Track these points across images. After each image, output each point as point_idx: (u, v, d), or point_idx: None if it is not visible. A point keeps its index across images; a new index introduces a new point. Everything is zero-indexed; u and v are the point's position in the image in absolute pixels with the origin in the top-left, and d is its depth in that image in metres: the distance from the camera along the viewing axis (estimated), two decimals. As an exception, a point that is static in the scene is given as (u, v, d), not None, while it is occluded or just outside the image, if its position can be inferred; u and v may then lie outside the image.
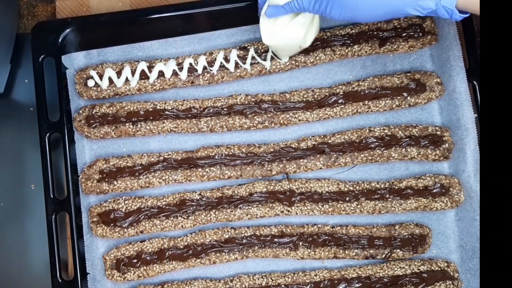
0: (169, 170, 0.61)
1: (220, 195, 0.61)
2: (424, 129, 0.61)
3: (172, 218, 0.61)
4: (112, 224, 0.60)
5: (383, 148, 0.61)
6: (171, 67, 0.62)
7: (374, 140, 0.61)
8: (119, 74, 0.63)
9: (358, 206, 0.60)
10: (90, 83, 0.63)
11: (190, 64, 0.63)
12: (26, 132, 0.68)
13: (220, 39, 0.64)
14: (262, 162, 0.61)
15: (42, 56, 0.63)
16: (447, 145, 0.61)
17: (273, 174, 0.62)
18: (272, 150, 0.62)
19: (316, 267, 0.61)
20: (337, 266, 0.61)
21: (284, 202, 0.60)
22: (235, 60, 0.62)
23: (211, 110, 0.62)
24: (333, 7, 0.49)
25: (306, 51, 0.62)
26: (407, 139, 0.61)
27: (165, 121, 0.62)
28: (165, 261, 0.60)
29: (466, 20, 0.62)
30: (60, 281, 0.60)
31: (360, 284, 0.59)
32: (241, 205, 0.61)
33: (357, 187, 0.61)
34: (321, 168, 0.61)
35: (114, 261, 0.60)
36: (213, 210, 0.61)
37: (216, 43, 0.64)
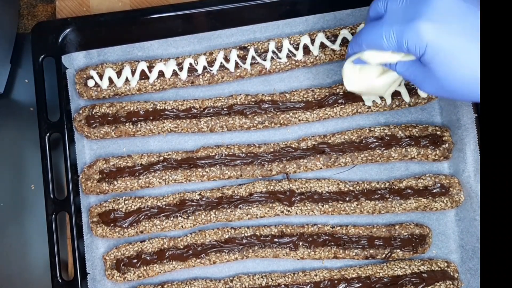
0: (169, 170, 0.61)
1: (220, 195, 0.61)
2: (424, 129, 0.61)
3: (172, 218, 0.61)
4: (112, 224, 0.60)
5: (383, 148, 0.61)
6: (171, 67, 0.62)
7: (374, 140, 0.61)
8: (119, 74, 0.63)
9: (358, 206, 0.60)
10: (90, 83, 0.63)
11: (190, 64, 0.63)
12: (26, 132, 0.68)
13: (220, 39, 0.64)
14: (262, 162, 0.61)
15: (42, 56, 0.63)
16: (447, 145, 0.61)
17: (273, 174, 0.62)
18: (272, 150, 0.62)
19: (316, 267, 0.61)
20: (337, 266, 0.61)
21: (284, 202, 0.60)
22: (235, 60, 0.62)
23: (211, 110, 0.62)
24: (425, 82, 0.46)
25: (306, 51, 0.62)
26: (407, 139, 0.61)
27: (165, 121, 0.62)
28: (165, 261, 0.60)
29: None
30: (60, 281, 0.60)
31: (360, 284, 0.59)
32: (241, 205, 0.61)
33: (357, 187, 0.61)
34: (321, 168, 0.61)
35: (114, 261, 0.60)
36: (213, 210, 0.61)
37: (216, 43, 0.64)
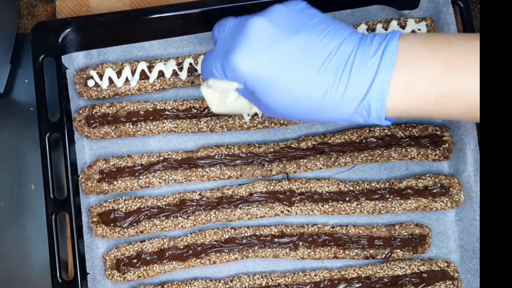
0: (169, 170, 0.61)
1: (220, 195, 0.61)
2: (424, 129, 0.61)
3: (172, 218, 0.61)
4: (112, 224, 0.60)
5: (383, 148, 0.61)
6: (171, 67, 0.62)
7: (374, 140, 0.61)
8: (119, 74, 0.63)
9: (358, 206, 0.60)
10: (90, 83, 0.63)
11: (190, 64, 0.63)
12: (26, 132, 0.68)
13: (220, 39, 0.64)
14: (262, 162, 0.61)
15: (42, 56, 0.63)
16: (447, 145, 0.61)
17: (273, 174, 0.62)
18: (272, 150, 0.62)
19: (316, 267, 0.61)
20: (337, 266, 0.61)
21: (284, 202, 0.60)
22: (235, 60, 0.62)
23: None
24: (260, 107, 0.45)
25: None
26: (407, 139, 0.61)
27: (165, 121, 0.62)
28: (165, 261, 0.60)
29: (466, 20, 0.63)
30: (60, 281, 0.60)
31: (360, 284, 0.59)
32: (241, 205, 0.61)
33: (357, 187, 0.61)
34: (321, 168, 0.61)
35: (114, 261, 0.60)
36: (213, 210, 0.61)
37: (216, 43, 0.64)
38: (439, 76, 0.38)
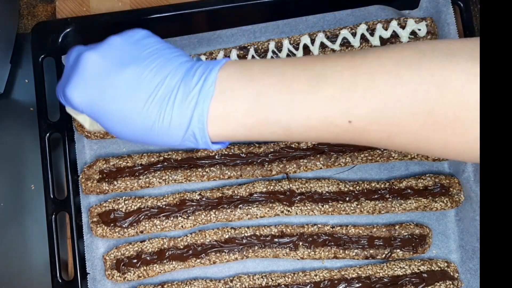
0: (169, 170, 0.61)
1: (220, 195, 0.61)
2: (424, 129, 0.61)
3: (172, 218, 0.61)
4: (112, 224, 0.60)
5: (383, 148, 0.61)
6: (171, 67, 0.62)
7: (374, 140, 0.61)
8: (119, 74, 0.63)
9: (358, 206, 0.60)
10: (90, 83, 0.62)
11: (190, 64, 0.62)
12: (26, 132, 0.68)
13: (220, 39, 0.64)
14: (262, 162, 0.61)
15: (42, 56, 0.63)
16: (447, 145, 0.60)
17: (273, 174, 0.62)
18: (272, 150, 0.62)
19: (316, 267, 0.61)
20: (337, 266, 0.61)
21: (284, 202, 0.60)
22: (235, 60, 0.62)
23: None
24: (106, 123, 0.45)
25: (306, 51, 0.62)
26: (407, 139, 0.61)
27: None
28: (165, 261, 0.60)
29: (466, 20, 0.63)
30: (60, 281, 0.60)
31: (360, 284, 0.59)
32: (241, 205, 0.61)
33: (357, 187, 0.61)
34: (321, 168, 0.61)
35: (114, 261, 0.60)
36: (213, 210, 0.61)
37: (216, 43, 0.64)
38: (253, 105, 0.40)
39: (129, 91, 0.41)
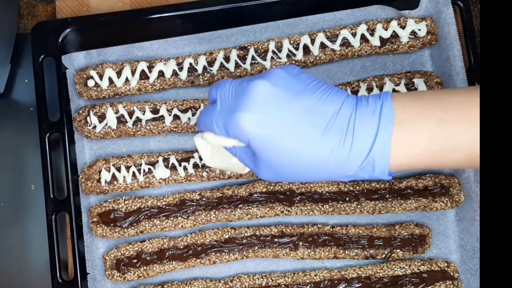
0: (169, 170, 0.61)
1: (220, 195, 0.61)
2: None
3: (172, 218, 0.61)
4: (112, 224, 0.60)
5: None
6: (171, 67, 0.62)
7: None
8: (119, 74, 0.63)
9: (358, 206, 0.60)
10: (90, 83, 0.63)
11: (190, 64, 0.63)
12: (26, 132, 0.68)
13: (220, 39, 0.64)
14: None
15: (42, 56, 0.63)
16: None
17: (273, 174, 0.61)
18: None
19: (316, 267, 0.61)
20: (337, 266, 0.61)
21: (284, 202, 0.60)
22: (235, 60, 0.62)
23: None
24: (260, 168, 0.45)
25: (306, 51, 0.62)
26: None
27: (165, 121, 0.62)
28: (165, 261, 0.60)
29: (466, 20, 0.63)
30: (60, 281, 0.60)
31: (360, 284, 0.59)
32: (241, 205, 0.61)
33: (357, 187, 0.61)
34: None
35: (114, 261, 0.60)
36: (213, 210, 0.61)
37: (216, 43, 0.64)
38: (435, 131, 0.40)
39: (306, 119, 0.41)
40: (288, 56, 0.62)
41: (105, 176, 0.61)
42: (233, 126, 0.42)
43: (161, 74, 0.63)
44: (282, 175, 0.44)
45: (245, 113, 0.42)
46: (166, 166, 0.62)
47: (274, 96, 0.42)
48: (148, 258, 0.60)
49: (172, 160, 0.62)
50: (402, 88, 0.61)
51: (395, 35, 0.62)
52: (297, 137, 0.41)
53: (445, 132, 0.40)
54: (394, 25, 0.62)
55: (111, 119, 0.62)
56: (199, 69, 0.62)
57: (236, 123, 0.42)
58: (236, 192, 0.61)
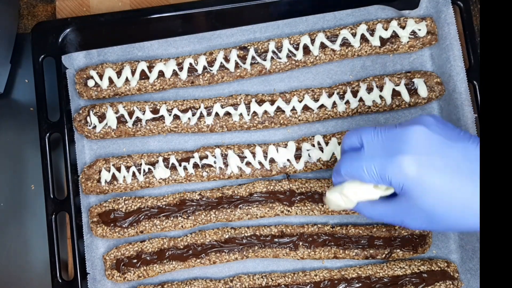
0: (169, 170, 0.61)
1: (220, 195, 0.61)
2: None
3: (172, 218, 0.61)
4: (112, 224, 0.60)
5: None
6: (171, 67, 0.62)
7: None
8: (119, 74, 0.63)
9: (358, 206, 0.60)
10: (90, 83, 0.63)
11: (190, 64, 0.63)
12: (26, 132, 0.68)
13: (220, 39, 0.64)
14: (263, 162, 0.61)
15: (42, 56, 0.63)
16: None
17: (273, 174, 0.62)
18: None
19: (316, 267, 0.61)
20: (337, 266, 0.61)
21: (284, 202, 0.60)
22: (235, 60, 0.62)
23: (211, 110, 0.62)
24: (409, 217, 0.45)
25: (306, 51, 0.62)
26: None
27: (165, 121, 0.62)
28: (165, 261, 0.60)
29: (466, 20, 0.63)
30: (60, 281, 0.60)
31: (360, 284, 0.59)
32: (241, 205, 0.61)
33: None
34: (321, 168, 0.61)
35: (114, 261, 0.60)
36: (213, 210, 0.61)
37: (216, 43, 0.64)
38: None
39: (461, 164, 0.42)
40: (288, 56, 0.62)
41: (105, 176, 0.61)
42: (392, 168, 0.43)
43: (161, 74, 0.63)
44: (435, 219, 0.44)
45: (406, 154, 0.42)
46: (166, 166, 0.62)
47: (434, 140, 0.43)
48: (148, 258, 0.60)
49: (172, 160, 0.61)
50: (402, 88, 0.61)
51: (395, 35, 0.62)
52: (449, 182, 0.42)
53: None
54: (394, 25, 0.62)
55: (111, 119, 0.62)
56: (199, 69, 0.62)
57: (397, 164, 0.42)
58: (236, 192, 0.61)
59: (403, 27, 0.62)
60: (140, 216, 0.61)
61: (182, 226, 0.61)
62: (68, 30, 0.64)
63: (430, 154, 0.42)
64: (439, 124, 0.44)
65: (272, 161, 0.61)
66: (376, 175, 0.44)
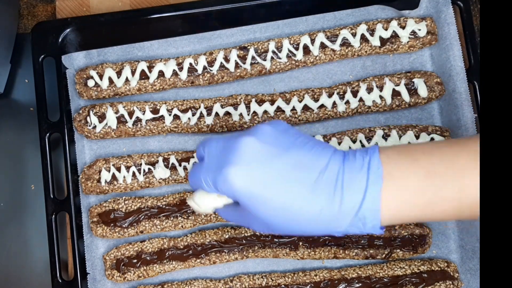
0: (169, 170, 0.61)
1: (220, 195, 0.61)
2: (424, 129, 0.61)
3: (172, 218, 0.61)
4: (112, 224, 0.60)
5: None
6: (171, 67, 0.62)
7: (374, 140, 0.61)
8: (119, 74, 0.63)
9: (358, 206, 0.60)
10: (90, 83, 0.63)
11: (190, 64, 0.63)
12: (26, 132, 0.68)
13: (220, 39, 0.64)
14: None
15: (42, 56, 0.63)
16: (447, 145, 0.60)
17: (273, 174, 0.61)
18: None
19: (316, 267, 0.61)
20: (337, 266, 0.61)
21: (284, 202, 0.60)
22: (235, 60, 0.62)
23: (211, 110, 0.62)
24: (252, 222, 0.45)
25: (306, 51, 0.62)
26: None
27: (165, 121, 0.62)
28: (165, 261, 0.60)
29: (466, 20, 0.63)
30: (60, 281, 0.60)
31: (360, 284, 0.59)
32: (241, 205, 0.61)
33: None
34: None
35: (114, 261, 0.60)
36: (213, 210, 0.61)
37: (216, 43, 0.64)
38: (424, 185, 0.40)
39: (294, 174, 0.41)
40: (288, 56, 0.62)
41: (105, 176, 0.61)
42: (221, 181, 0.42)
43: (161, 74, 0.63)
44: (273, 228, 0.43)
45: (232, 167, 0.41)
46: (166, 166, 0.62)
47: (261, 152, 0.41)
48: (148, 258, 0.60)
49: (172, 160, 0.61)
50: (402, 88, 0.61)
51: (395, 35, 0.62)
52: (286, 193, 0.41)
53: (433, 185, 0.40)
54: (394, 25, 0.62)
55: (111, 119, 0.62)
56: (199, 69, 0.62)
57: (224, 177, 0.41)
58: (236, 192, 0.61)
59: (403, 27, 0.62)
60: (140, 216, 0.61)
61: (182, 226, 0.61)
62: (68, 30, 0.64)
63: (256, 167, 0.41)
64: (276, 133, 0.43)
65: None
66: (211, 186, 0.44)
